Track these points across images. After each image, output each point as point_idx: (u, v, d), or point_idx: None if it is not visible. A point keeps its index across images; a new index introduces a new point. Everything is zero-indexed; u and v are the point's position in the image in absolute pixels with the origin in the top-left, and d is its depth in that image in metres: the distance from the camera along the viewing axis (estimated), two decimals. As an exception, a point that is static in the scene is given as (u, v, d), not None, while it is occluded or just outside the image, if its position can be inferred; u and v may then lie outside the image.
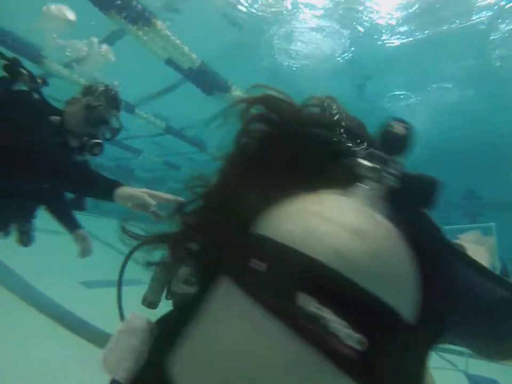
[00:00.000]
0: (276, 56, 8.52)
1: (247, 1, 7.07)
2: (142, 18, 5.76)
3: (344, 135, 0.52)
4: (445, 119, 9.17)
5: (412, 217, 0.43)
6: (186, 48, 6.51)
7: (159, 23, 6.00)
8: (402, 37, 7.61)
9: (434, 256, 0.44)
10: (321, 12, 7.22)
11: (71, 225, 2.22)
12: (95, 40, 4.76)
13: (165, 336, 0.43)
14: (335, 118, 0.54)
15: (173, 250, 0.52)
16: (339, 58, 8.51)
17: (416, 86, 9.09)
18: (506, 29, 6.96)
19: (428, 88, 8.95)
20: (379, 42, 7.83)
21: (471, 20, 6.86)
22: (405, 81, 8.96)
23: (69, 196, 2.18)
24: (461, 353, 4.86)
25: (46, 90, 1.91)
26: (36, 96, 1.75)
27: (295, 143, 0.50)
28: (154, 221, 1.36)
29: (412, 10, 6.84)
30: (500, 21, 6.83)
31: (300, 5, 7.12)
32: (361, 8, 6.97)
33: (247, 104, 0.53)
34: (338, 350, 0.30)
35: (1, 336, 3.01)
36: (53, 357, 2.93)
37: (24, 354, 2.87)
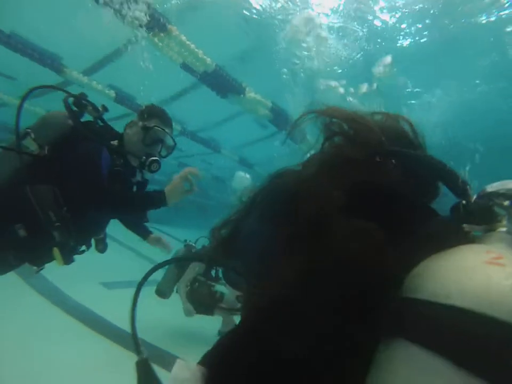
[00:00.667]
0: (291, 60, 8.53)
1: (261, 6, 7.11)
2: (158, 25, 5.88)
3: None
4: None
5: None
6: (201, 52, 6.60)
7: (174, 29, 6.11)
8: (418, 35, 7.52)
9: None
10: (335, 13, 7.21)
11: (144, 233, 2.58)
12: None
13: None
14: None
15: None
16: (354, 58, 8.46)
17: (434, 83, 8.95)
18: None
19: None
20: (394, 41, 7.75)
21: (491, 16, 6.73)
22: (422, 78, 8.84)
23: None
24: None
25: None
26: (100, 123, 1.96)
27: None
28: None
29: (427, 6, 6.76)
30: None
31: (312, 5, 7.13)
32: (375, 7, 6.92)
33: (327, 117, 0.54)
34: None
35: (31, 336, 3.14)
36: (77, 356, 3.04)
37: (51, 353, 2.98)
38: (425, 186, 0.53)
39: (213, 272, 4.20)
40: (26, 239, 1.69)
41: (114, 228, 2.45)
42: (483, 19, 6.90)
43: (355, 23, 7.47)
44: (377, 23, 7.38)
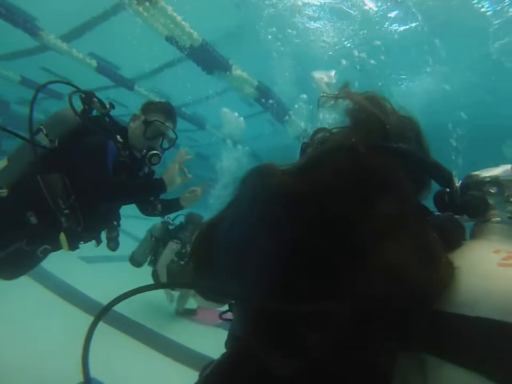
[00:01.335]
0: (279, 36, 8.40)
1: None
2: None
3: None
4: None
5: None
6: (187, 26, 6.42)
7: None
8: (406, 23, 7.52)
9: None
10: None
11: (172, 201, 2.32)
12: None
13: None
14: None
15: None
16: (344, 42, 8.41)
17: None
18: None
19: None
20: (385, 26, 7.73)
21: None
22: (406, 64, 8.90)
23: None
24: None
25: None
26: (106, 119, 2.02)
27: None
28: None
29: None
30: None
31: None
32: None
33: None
34: None
35: (7, 309, 3.13)
36: (57, 329, 3.06)
37: (30, 327, 2.98)
38: (417, 182, 0.52)
39: (186, 250, 4.31)
40: (37, 226, 1.80)
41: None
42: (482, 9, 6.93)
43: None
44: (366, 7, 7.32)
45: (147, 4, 5.85)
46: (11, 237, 1.82)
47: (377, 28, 7.78)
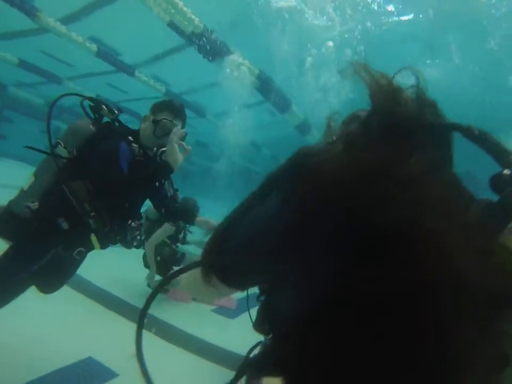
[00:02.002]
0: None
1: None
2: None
3: None
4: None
5: None
6: (189, 11, 6.33)
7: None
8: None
9: None
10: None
11: (187, 217, 2.62)
12: None
13: None
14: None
15: None
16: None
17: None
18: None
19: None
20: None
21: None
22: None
23: None
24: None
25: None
26: (116, 124, 2.17)
27: None
28: None
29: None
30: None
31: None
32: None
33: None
34: None
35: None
36: (60, 314, 3.09)
37: (35, 311, 3.01)
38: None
39: (181, 235, 4.30)
40: (69, 230, 1.97)
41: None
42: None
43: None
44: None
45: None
46: (48, 244, 1.99)
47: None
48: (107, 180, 1.92)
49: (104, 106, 2.08)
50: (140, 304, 3.76)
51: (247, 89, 9.30)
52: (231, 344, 3.38)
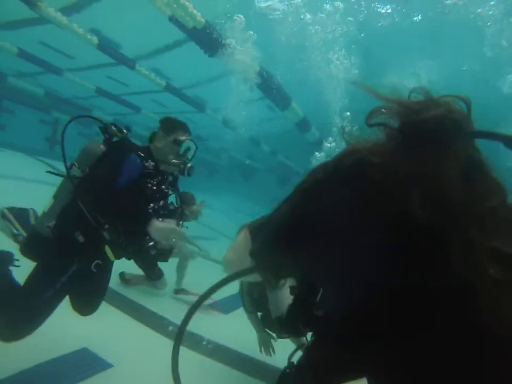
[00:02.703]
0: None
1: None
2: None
3: None
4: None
5: None
6: (190, 6, 6.30)
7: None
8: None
9: None
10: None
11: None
12: None
13: None
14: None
15: None
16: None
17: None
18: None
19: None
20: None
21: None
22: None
23: None
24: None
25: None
26: (126, 142, 2.29)
27: None
28: None
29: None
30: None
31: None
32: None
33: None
34: None
35: None
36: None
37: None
38: None
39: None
40: (85, 243, 2.08)
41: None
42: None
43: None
44: None
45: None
46: (67, 259, 2.09)
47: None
48: (105, 188, 2.03)
49: (113, 126, 2.23)
50: (134, 296, 3.84)
51: (247, 85, 9.30)
52: (224, 339, 3.42)
